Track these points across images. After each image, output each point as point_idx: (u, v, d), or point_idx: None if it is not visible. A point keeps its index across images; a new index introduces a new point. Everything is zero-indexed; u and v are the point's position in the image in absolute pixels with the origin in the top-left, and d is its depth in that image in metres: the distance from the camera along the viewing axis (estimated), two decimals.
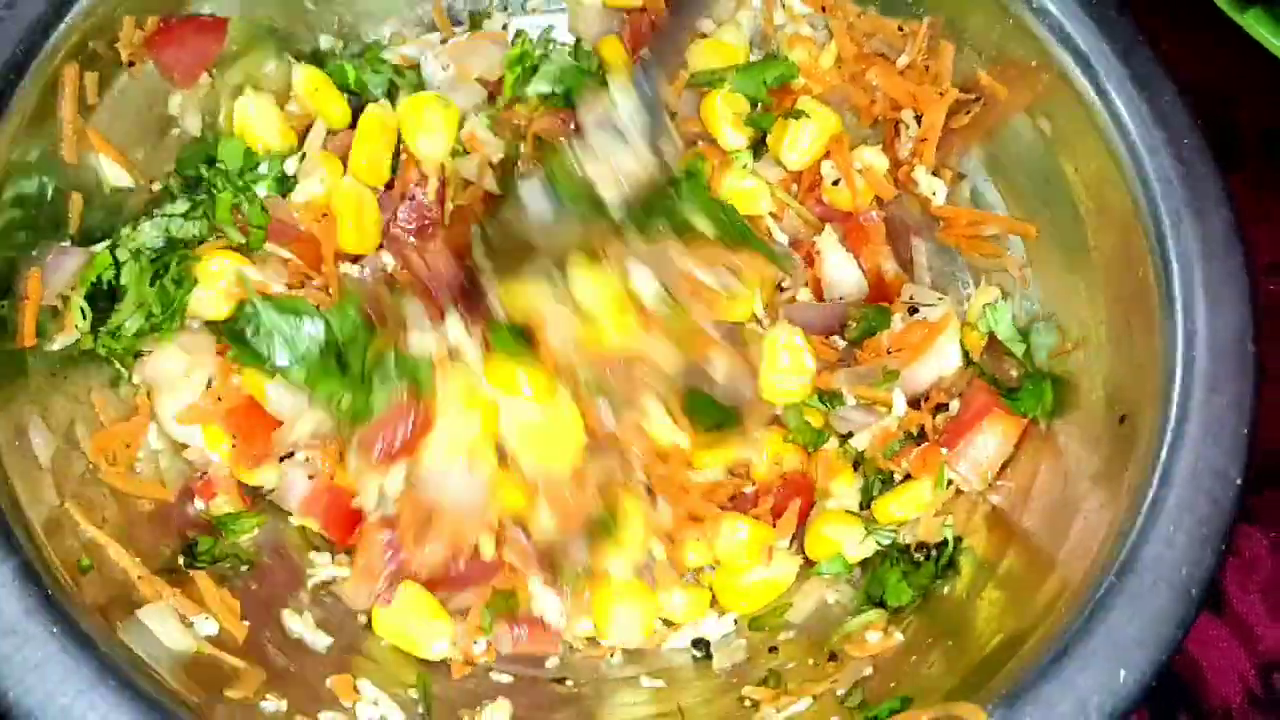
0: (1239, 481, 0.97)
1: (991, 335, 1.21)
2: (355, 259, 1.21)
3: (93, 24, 1.08)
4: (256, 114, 1.21)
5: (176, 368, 1.12)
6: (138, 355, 1.12)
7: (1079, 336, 1.14)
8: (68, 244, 1.08)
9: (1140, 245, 1.06)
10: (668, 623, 1.17)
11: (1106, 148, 1.10)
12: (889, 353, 1.18)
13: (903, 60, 1.26)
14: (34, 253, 1.05)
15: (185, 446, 1.13)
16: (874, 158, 1.26)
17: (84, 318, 1.07)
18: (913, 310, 1.22)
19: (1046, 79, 1.15)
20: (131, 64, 1.13)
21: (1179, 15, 1.23)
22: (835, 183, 1.26)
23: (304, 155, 1.21)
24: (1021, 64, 1.17)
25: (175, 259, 1.12)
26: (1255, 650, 1.27)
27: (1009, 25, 1.16)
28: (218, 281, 1.14)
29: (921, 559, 1.14)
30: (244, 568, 1.10)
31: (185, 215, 1.16)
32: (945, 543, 1.14)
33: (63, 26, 1.05)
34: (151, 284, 1.11)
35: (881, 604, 1.13)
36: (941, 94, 1.23)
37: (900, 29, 1.26)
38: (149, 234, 1.13)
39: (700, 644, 1.17)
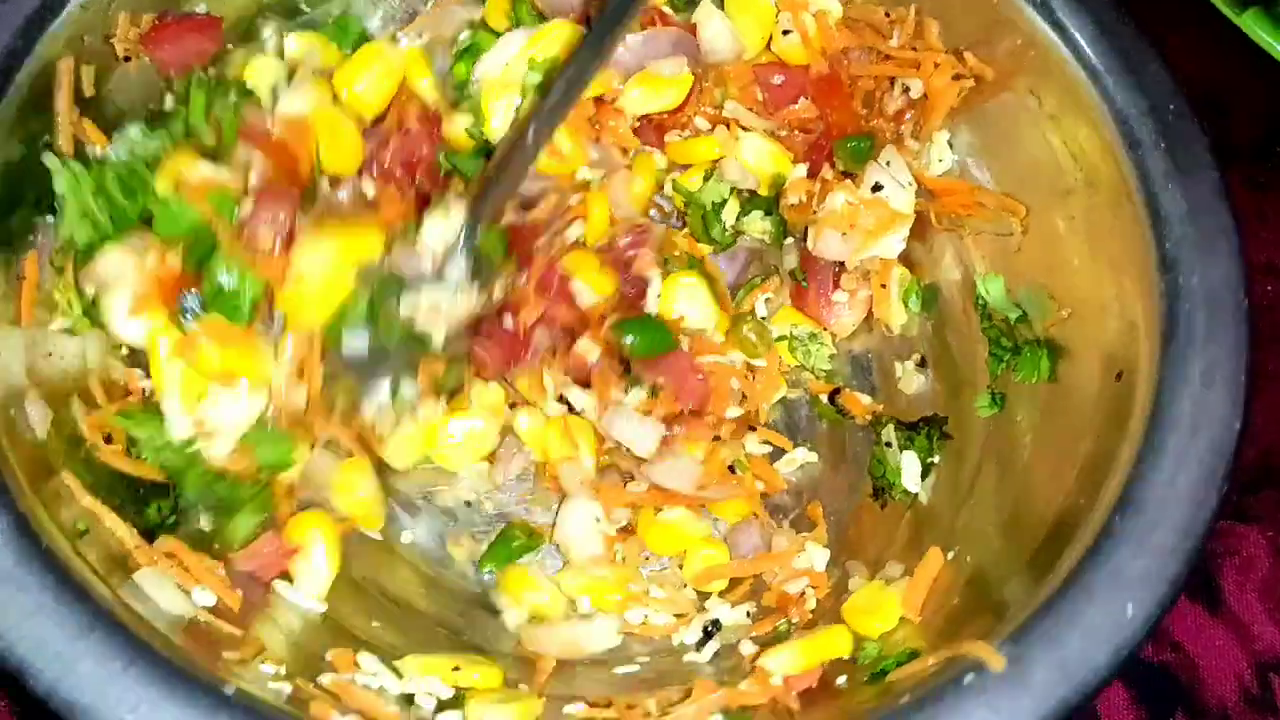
0: (1238, 424, 0.97)
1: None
2: (334, 182, 1.19)
3: (89, 18, 1.09)
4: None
5: (124, 266, 1.09)
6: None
7: (1073, 304, 1.14)
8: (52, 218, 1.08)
9: (1130, 210, 1.07)
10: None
11: (1093, 118, 1.11)
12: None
13: (891, 44, 1.28)
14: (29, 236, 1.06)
15: None
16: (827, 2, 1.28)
17: (78, 298, 1.08)
18: (876, 188, 1.24)
19: (1032, 55, 1.16)
20: (128, 59, 1.14)
21: (1176, 14, 1.25)
22: (785, 33, 1.27)
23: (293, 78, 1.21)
24: (1006, 42, 1.19)
25: (124, 170, 1.11)
26: (1252, 650, 1.26)
27: (993, 5, 1.18)
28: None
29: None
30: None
31: (143, 133, 1.14)
32: None
33: (59, 19, 1.06)
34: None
35: None
36: (937, 65, 1.24)
37: (887, 15, 1.28)
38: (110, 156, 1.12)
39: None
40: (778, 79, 1.30)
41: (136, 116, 1.16)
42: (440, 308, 1.10)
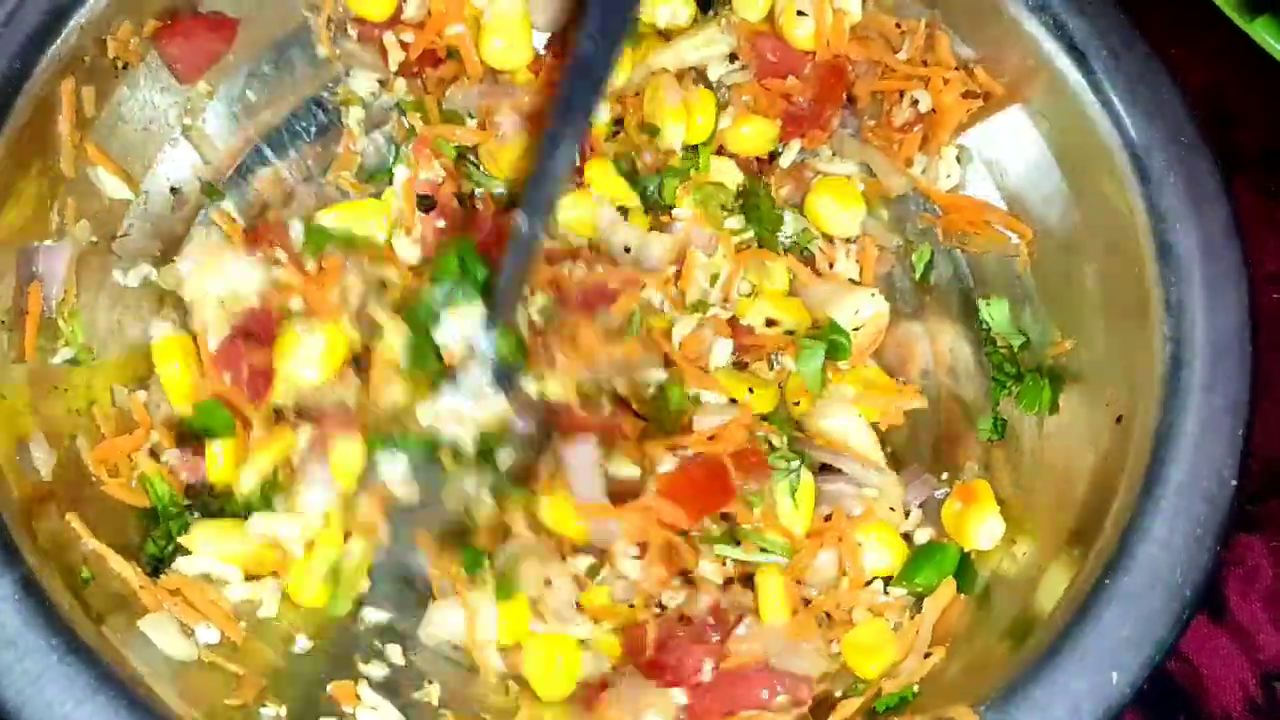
0: (1235, 483, 0.97)
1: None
2: None
3: (89, 36, 1.08)
4: None
5: None
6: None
7: (1077, 335, 1.14)
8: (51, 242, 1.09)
9: (1138, 244, 1.06)
10: None
11: (1104, 146, 1.10)
12: None
13: (901, 57, 1.25)
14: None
15: None
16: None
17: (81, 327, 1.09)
18: None
19: (1043, 77, 1.14)
20: (125, 65, 1.13)
21: (1184, 21, 1.22)
22: (800, 14, 1.24)
23: None
24: (1018, 62, 1.17)
25: None
26: (1256, 659, 1.26)
27: (1005, 22, 1.16)
28: None
29: None
30: None
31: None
32: None
33: (59, 41, 1.06)
34: None
35: None
36: (946, 81, 1.22)
37: (898, 25, 1.25)
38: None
39: None
40: (773, 55, 1.27)
41: (140, 137, 1.16)
42: (462, 413, 1.08)
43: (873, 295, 1.24)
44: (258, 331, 1.09)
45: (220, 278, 1.10)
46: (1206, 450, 0.97)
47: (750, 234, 1.28)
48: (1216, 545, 0.95)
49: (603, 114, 1.28)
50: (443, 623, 1.11)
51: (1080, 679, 0.90)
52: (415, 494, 1.09)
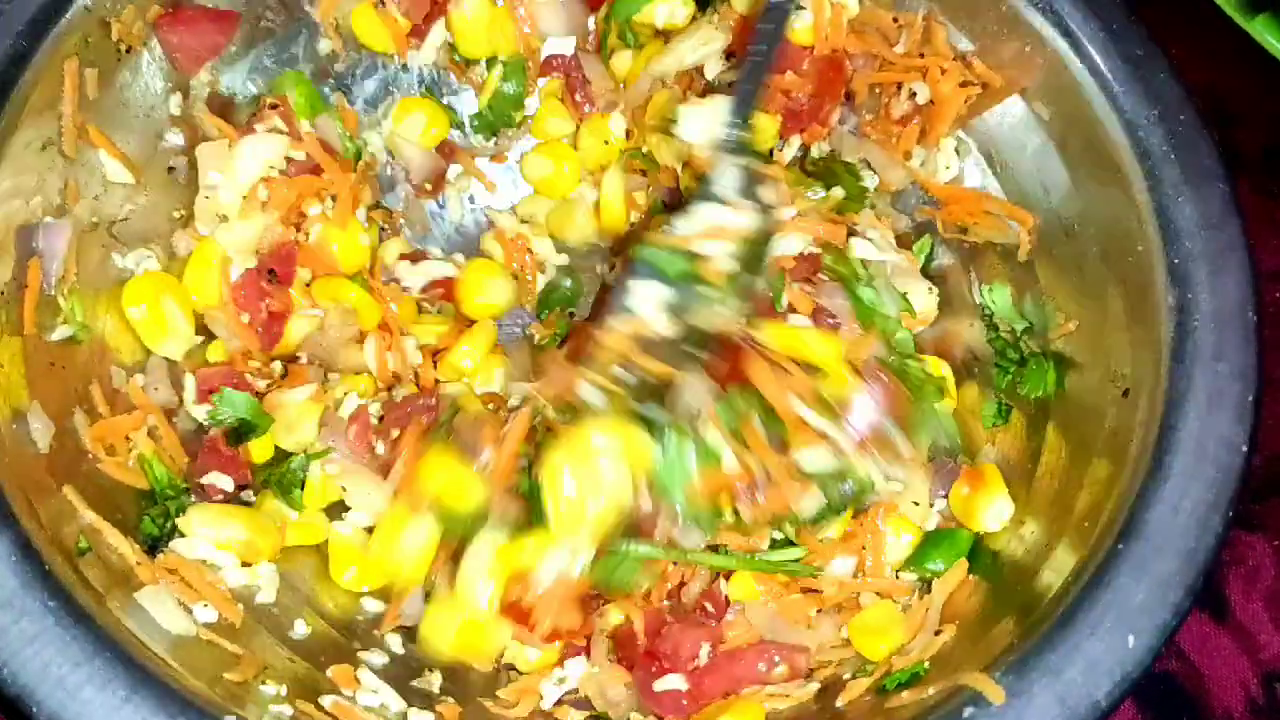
0: (1245, 448, 0.96)
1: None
2: None
3: (94, 19, 1.09)
4: None
5: None
6: None
7: (1080, 315, 1.14)
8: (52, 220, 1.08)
9: (1139, 221, 1.06)
10: None
11: (1102, 128, 1.10)
12: None
13: (898, 50, 1.26)
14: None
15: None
16: None
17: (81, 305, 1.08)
18: None
19: (1040, 63, 1.15)
20: (129, 49, 1.14)
21: (1184, 20, 1.23)
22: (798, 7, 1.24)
23: None
24: (1015, 50, 1.17)
25: None
26: (1258, 659, 1.26)
27: (1002, 11, 1.17)
28: None
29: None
30: None
31: None
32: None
33: (64, 21, 1.06)
34: None
35: None
36: (944, 71, 1.23)
37: (895, 20, 1.26)
38: None
39: None
40: None
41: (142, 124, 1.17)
42: (721, 224, 1.03)
43: (929, 291, 1.25)
44: (279, 269, 1.09)
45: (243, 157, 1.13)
46: (1215, 417, 0.97)
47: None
48: (1229, 510, 0.94)
49: (617, 124, 1.31)
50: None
51: (1096, 643, 0.88)
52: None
